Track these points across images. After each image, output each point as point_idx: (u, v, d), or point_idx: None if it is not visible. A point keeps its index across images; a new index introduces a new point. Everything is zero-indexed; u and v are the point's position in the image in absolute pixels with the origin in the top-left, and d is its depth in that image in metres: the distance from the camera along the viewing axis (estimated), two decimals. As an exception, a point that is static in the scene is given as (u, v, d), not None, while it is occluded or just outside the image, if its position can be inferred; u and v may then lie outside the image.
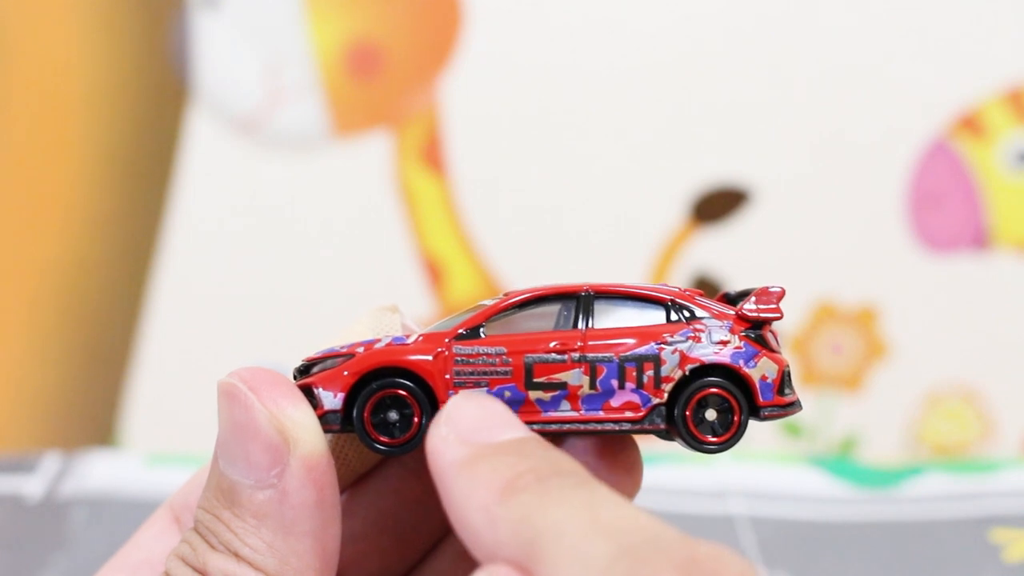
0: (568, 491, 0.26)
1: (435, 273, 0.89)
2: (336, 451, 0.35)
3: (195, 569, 0.30)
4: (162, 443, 0.87)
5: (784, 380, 0.34)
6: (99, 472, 0.73)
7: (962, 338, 0.89)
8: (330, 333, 0.36)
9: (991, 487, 0.73)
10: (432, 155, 0.88)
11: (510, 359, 0.33)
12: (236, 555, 0.30)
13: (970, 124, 0.87)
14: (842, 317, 0.89)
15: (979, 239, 0.88)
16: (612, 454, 0.34)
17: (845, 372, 0.90)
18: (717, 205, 0.88)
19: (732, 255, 0.88)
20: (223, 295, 0.88)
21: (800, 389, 0.90)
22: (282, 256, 0.88)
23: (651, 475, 0.69)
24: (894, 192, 0.88)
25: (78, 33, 0.85)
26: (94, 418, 0.89)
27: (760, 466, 0.76)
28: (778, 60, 0.86)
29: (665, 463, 0.76)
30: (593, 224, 0.88)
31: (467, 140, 0.87)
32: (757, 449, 0.87)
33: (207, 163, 0.87)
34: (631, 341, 0.33)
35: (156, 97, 0.86)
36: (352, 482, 0.36)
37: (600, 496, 0.26)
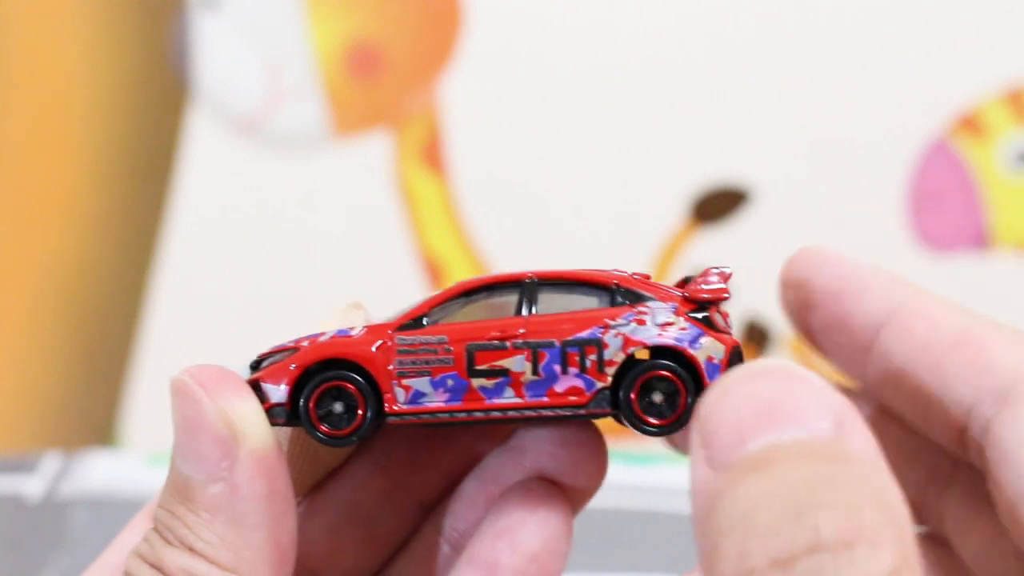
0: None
1: (435, 273, 0.89)
2: (305, 445, 0.35)
3: (152, 565, 0.30)
4: (162, 443, 0.86)
5: (733, 360, 0.33)
6: (99, 472, 0.73)
7: (962, 338, 0.89)
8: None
9: (991, 487, 0.73)
10: (432, 155, 0.88)
11: (452, 347, 0.33)
12: (191, 549, 0.30)
13: (970, 124, 0.86)
14: (842, 317, 0.89)
15: (979, 239, 0.88)
16: (575, 444, 0.34)
17: (845, 372, 0.90)
18: (717, 205, 0.88)
19: (732, 255, 0.88)
20: (223, 295, 0.88)
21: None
22: (282, 256, 0.88)
23: (645, 474, 0.69)
24: (894, 192, 0.87)
25: (78, 34, 0.85)
26: (94, 418, 0.89)
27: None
28: (779, 60, 0.86)
29: (661, 463, 0.75)
30: (593, 224, 0.88)
31: (467, 140, 0.87)
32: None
33: (207, 163, 0.87)
34: (573, 326, 0.33)
35: (156, 97, 0.86)
36: (323, 476, 0.36)
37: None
